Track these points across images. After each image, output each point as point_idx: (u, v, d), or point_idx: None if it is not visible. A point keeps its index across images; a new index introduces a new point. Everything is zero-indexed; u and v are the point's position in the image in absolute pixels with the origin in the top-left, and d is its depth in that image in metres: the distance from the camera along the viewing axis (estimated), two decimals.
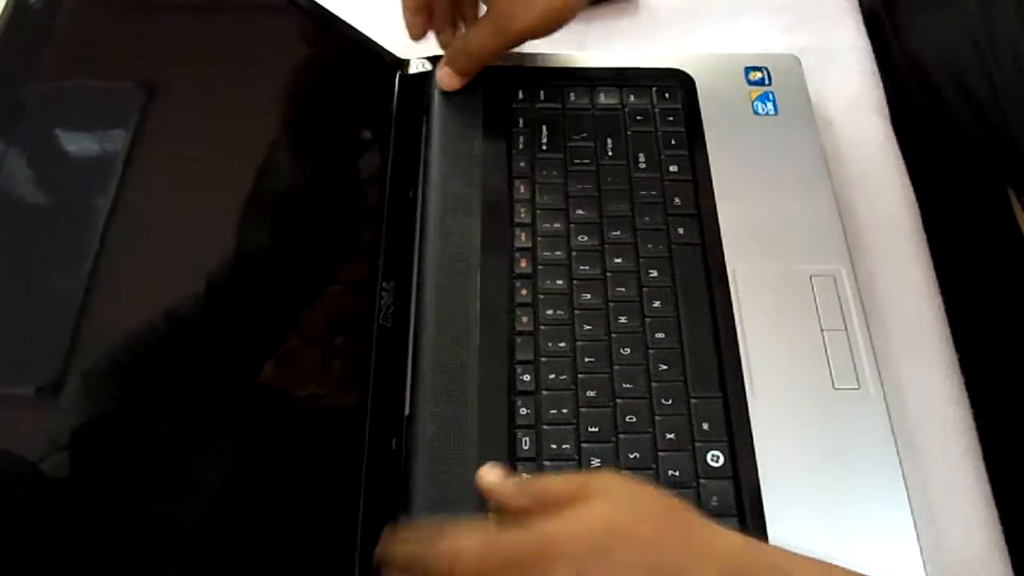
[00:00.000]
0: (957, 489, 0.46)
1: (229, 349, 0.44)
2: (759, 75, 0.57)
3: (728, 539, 0.37)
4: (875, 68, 0.61)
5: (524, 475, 0.42)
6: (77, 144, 0.43)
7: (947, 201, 0.62)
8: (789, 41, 0.62)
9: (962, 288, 0.55)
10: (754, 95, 0.57)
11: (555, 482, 0.39)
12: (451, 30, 0.57)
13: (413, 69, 0.58)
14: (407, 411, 0.47)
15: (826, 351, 0.48)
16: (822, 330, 0.48)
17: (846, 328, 0.49)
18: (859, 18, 0.63)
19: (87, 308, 0.38)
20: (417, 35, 0.56)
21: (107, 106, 0.44)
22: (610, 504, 0.37)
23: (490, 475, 0.41)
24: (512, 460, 0.45)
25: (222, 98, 0.49)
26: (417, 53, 0.58)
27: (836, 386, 0.47)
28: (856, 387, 0.47)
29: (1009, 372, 0.61)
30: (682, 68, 0.57)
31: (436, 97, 0.56)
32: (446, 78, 0.56)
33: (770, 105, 0.56)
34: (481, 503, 0.43)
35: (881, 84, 0.61)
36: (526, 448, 0.45)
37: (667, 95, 0.57)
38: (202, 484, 0.41)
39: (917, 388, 0.49)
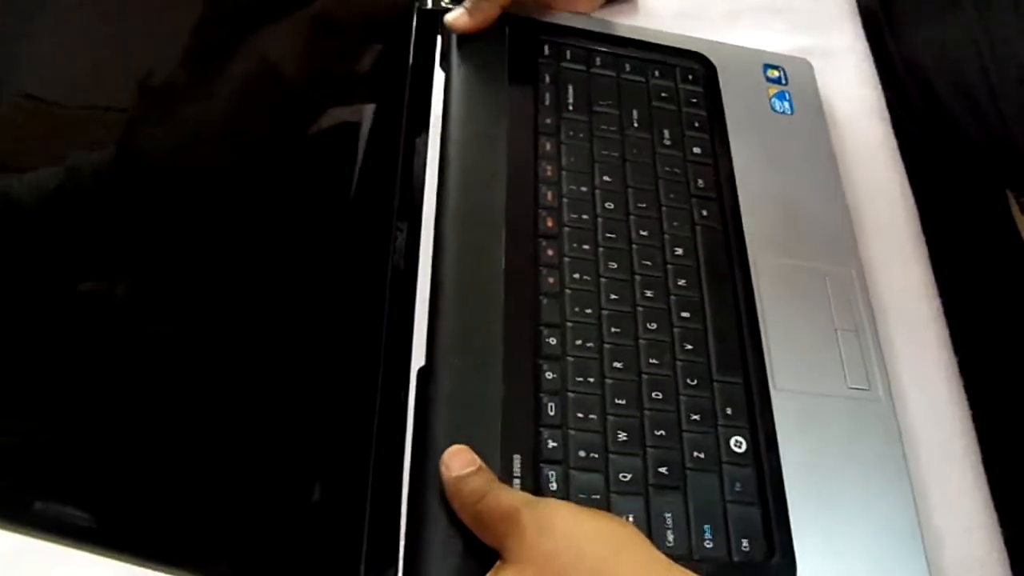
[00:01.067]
0: (957, 490, 0.47)
1: (242, 287, 0.39)
2: (777, 73, 0.57)
3: None
4: (874, 70, 0.62)
5: (481, 470, 0.39)
6: None
7: (946, 203, 0.63)
8: (788, 43, 0.62)
9: (961, 289, 0.55)
10: (772, 92, 0.56)
11: (493, 512, 0.37)
12: None
13: (430, 4, 0.54)
14: (423, 363, 0.43)
15: (840, 350, 0.48)
16: (836, 329, 0.49)
17: (857, 329, 0.49)
18: (857, 20, 0.64)
19: None
20: None
21: None
22: (535, 570, 0.35)
23: (450, 469, 0.39)
24: (537, 426, 0.42)
25: (233, 22, 0.44)
26: None
27: (849, 385, 0.47)
28: (867, 388, 0.47)
29: (1008, 373, 0.62)
30: (704, 54, 0.57)
31: (456, 38, 0.53)
32: (460, 19, 0.52)
33: (787, 104, 0.56)
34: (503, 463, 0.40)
35: (880, 86, 0.61)
36: (551, 414, 0.42)
37: (690, 77, 0.56)
38: (211, 426, 0.36)
39: (916, 389, 0.49)
